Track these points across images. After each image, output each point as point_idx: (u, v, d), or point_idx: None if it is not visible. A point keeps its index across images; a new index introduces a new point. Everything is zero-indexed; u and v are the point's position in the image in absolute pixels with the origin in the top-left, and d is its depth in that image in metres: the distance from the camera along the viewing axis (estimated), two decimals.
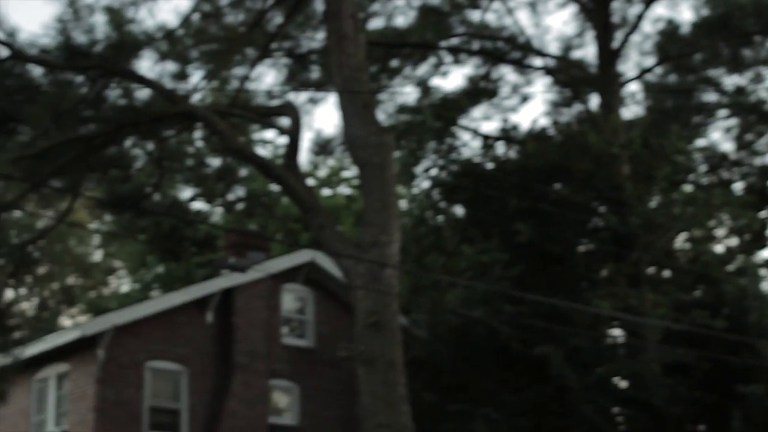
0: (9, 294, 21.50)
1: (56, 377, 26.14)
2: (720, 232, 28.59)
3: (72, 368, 25.45)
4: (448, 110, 30.06)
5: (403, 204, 30.04)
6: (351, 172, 38.89)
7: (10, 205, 20.43)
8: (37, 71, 20.64)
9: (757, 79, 33.78)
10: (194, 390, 25.59)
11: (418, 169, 29.89)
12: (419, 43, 31.05)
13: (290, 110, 20.96)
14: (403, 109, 30.98)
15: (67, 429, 25.21)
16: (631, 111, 34.41)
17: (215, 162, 26.81)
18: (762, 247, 29.51)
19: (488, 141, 30.77)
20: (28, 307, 43.33)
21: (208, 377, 25.79)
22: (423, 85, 31.08)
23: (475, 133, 31.68)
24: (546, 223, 26.81)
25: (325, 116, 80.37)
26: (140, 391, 24.93)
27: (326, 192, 38.57)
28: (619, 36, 31.69)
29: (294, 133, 20.26)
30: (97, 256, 48.93)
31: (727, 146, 35.59)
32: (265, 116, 22.61)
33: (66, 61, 20.49)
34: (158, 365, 25.33)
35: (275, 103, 23.65)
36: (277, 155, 36.64)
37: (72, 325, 39.48)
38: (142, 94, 21.56)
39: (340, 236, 19.16)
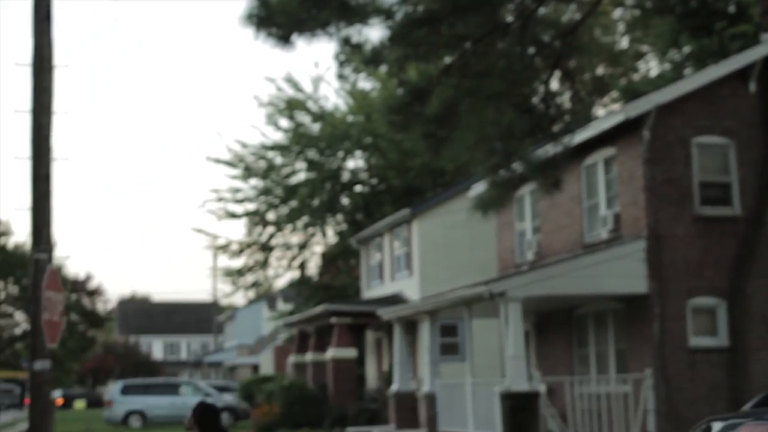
0: (544, 88, 21.96)
1: (603, 162, 26.74)
2: None
3: (618, 151, 25.92)
4: None
5: None
6: None
7: (540, 2, 20.73)
8: None
9: None
10: (742, 162, 25.28)
11: None
12: None
13: None
14: None
15: (618, 211, 25.81)
16: None
17: None
18: None
19: None
20: (563, 100, 44.39)
21: (755, 147, 25.36)
22: None
23: None
24: None
25: None
26: (688, 167, 24.98)
27: None
28: None
29: None
30: (624, 43, 49.00)
31: None
32: None
33: None
34: (704, 140, 25.19)
35: None
36: None
37: (609, 112, 40.07)
38: None
39: None
